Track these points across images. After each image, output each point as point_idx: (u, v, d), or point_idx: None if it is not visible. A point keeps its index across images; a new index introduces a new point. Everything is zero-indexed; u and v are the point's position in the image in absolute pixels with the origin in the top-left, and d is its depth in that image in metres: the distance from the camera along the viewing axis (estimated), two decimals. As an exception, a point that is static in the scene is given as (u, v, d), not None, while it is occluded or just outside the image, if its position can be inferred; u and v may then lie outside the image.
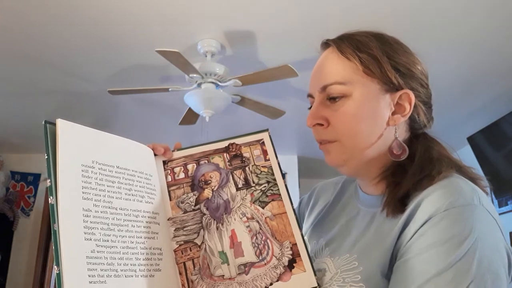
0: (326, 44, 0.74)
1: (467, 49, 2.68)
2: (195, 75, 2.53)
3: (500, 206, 3.94)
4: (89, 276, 0.58)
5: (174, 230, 0.72)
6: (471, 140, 3.80)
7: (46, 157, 0.63)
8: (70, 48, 2.64)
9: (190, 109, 2.82)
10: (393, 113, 0.68)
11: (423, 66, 0.72)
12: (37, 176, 4.52)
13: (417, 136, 0.71)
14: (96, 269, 0.59)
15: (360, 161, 0.69)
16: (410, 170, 0.65)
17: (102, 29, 2.44)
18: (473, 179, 0.65)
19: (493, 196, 3.90)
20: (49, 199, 0.60)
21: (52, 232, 0.58)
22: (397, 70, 0.68)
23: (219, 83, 2.60)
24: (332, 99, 0.68)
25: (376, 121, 0.68)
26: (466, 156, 3.85)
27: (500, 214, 3.94)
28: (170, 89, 2.68)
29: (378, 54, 0.68)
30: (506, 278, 0.57)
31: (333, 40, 0.72)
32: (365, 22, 2.69)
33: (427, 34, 2.51)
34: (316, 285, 0.67)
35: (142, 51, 2.65)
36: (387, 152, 0.69)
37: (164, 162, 0.78)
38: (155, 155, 0.78)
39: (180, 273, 0.69)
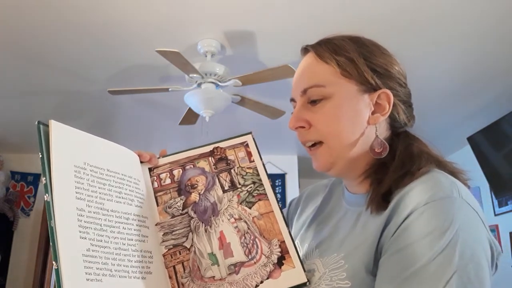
0: (305, 50, 0.77)
1: (467, 49, 2.69)
2: (195, 75, 2.53)
3: (500, 206, 3.94)
4: (86, 273, 0.58)
5: (163, 235, 0.73)
6: (471, 140, 3.80)
7: (40, 156, 0.64)
8: (70, 48, 2.64)
9: (190, 109, 2.82)
10: (373, 113, 0.71)
11: (401, 66, 0.74)
12: (37, 176, 4.53)
13: (398, 135, 0.73)
14: (92, 267, 0.60)
15: (346, 162, 0.71)
16: (391, 167, 0.67)
17: (102, 29, 2.44)
18: (454, 173, 0.67)
19: (493, 196, 3.90)
20: (45, 196, 0.61)
21: (49, 229, 0.59)
22: (374, 70, 0.70)
23: (219, 83, 2.61)
24: (313, 101, 0.71)
25: (356, 120, 0.70)
26: (466, 156, 3.85)
27: (500, 214, 3.96)
28: (170, 89, 2.69)
29: (355, 56, 0.70)
30: (489, 268, 0.58)
31: (311, 46, 0.75)
32: (364, 22, 2.68)
33: (426, 35, 2.51)
34: (306, 280, 0.68)
35: (142, 51, 2.65)
36: (369, 150, 0.71)
37: (150, 169, 0.79)
38: (141, 162, 0.79)
39: (170, 277, 0.69)
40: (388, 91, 0.70)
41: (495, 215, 3.99)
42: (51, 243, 0.58)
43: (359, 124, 0.70)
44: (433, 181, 0.61)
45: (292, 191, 4.58)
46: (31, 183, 4.53)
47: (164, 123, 3.79)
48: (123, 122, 3.84)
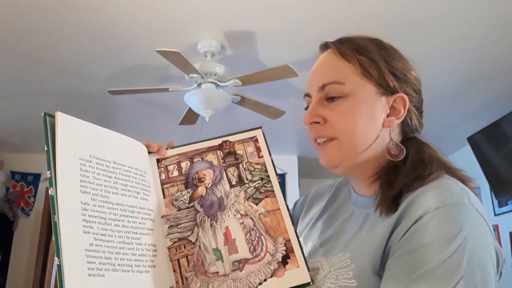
0: (325, 46, 0.76)
1: (467, 49, 2.68)
2: (195, 75, 2.53)
3: (500, 206, 3.94)
4: (88, 269, 0.58)
5: (168, 227, 0.72)
6: (471, 140, 3.80)
7: (45, 148, 0.63)
8: (70, 48, 2.64)
9: (190, 109, 2.82)
10: (388, 115, 0.71)
11: (417, 72, 0.75)
12: (37, 176, 4.52)
13: (409, 140, 0.73)
14: (95, 262, 0.59)
15: (355, 162, 0.71)
16: (402, 171, 0.67)
17: (102, 29, 2.44)
18: (463, 180, 0.67)
19: (493, 196, 3.90)
20: (49, 190, 0.61)
21: (52, 224, 0.59)
22: (393, 74, 0.70)
23: (219, 83, 2.61)
24: (330, 98, 0.70)
25: (372, 122, 0.70)
26: (466, 156, 3.85)
27: (500, 214, 3.96)
28: (170, 89, 2.68)
29: (377, 58, 0.70)
30: (495, 275, 0.58)
31: (332, 42, 0.74)
32: (364, 22, 2.68)
33: (426, 34, 2.51)
34: (309, 280, 0.67)
35: (142, 51, 2.65)
36: (381, 153, 0.71)
37: (158, 160, 0.78)
38: (149, 152, 0.78)
39: (174, 270, 0.69)
40: (405, 96, 0.70)
41: (495, 215, 3.99)
42: (53, 238, 0.58)
43: (374, 125, 0.70)
44: (444, 186, 0.61)
45: (292, 191, 4.57)
46: (31, 183, 4.53)
47: (164, 123, 3.80)
48: (123, 122, 3.84)
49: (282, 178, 4.64)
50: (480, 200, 0.63)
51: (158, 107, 3.49)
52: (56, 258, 0.57)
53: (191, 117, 2.99)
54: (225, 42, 2.59)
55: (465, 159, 3.84)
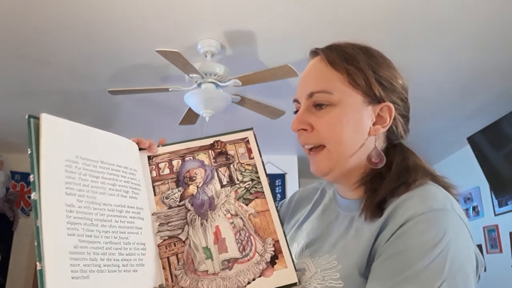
0: (315, 53, 0.77)
1: (467, 49, 2.69)
2: (195, 75, 2.53)
3: (500, 206, 3.94)
4: (72, 271, 0.58)
5: (159, 225, 0.73)
6: (471, 140, 3.80)
7: (29, 152, 0.62)
8: (70, 48, 2.64)
9: (190, 109, 2.82)
10: (374, 124, 0.72)
11: (404, 81, 0.76)
12: (37, 176, 4.52)
13: (393, 146, 0.75)
14: (79, 265, 0.59)
15: (344, 169, 0.72)
16: (387, 178, 0.69)
17: (102, 29, 2.44)
18: (446, 187, 0.69)
19: (493, 196, 3.90)
20: (32, 194, 0.60)
21: (34, 228, 0.58)
22: (380, 83, 0.72)
23: (219, 83, 2.61)
24: (318, 106, 0.72)
25: (358, 130, 0.71)
26: (466, 156, 3.85)
27: (500, 214, 3.95)
28: (170, 89, 2.69)
29: (364, 67, 0.71)
30: (474, 278, 0.61)
31: (322, 49, 0.75)
32: (365, 22, 2.67)
33: (427, 34, 2.51)
34: (296, 281, 0.69)
35: (142, 51, 2.65)
36: (366, 161, 0.72)
37: (149, 157, 0.78)
38: (140, 149, 0.78)
39: (164, 268, 0.70)
40: (391, 105, 0.72)
41: (495, 215, 3.99)
42: (35, 243, 0.57)
43: (361, 134, 0.71)
44: (429, 193, 0.63)
45: (292, 191, 4.54)
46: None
47: (164, 123, 3.80)
48: (123, 122, 3.84)
49: (282, 178, 4.65)
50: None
51: (158, 107, 3.50)
52: (38, 263, 0.56)
53: (191, 117, 2.99)
54: (225, 42, 2.59)
55: (465, 159, 3.84)
